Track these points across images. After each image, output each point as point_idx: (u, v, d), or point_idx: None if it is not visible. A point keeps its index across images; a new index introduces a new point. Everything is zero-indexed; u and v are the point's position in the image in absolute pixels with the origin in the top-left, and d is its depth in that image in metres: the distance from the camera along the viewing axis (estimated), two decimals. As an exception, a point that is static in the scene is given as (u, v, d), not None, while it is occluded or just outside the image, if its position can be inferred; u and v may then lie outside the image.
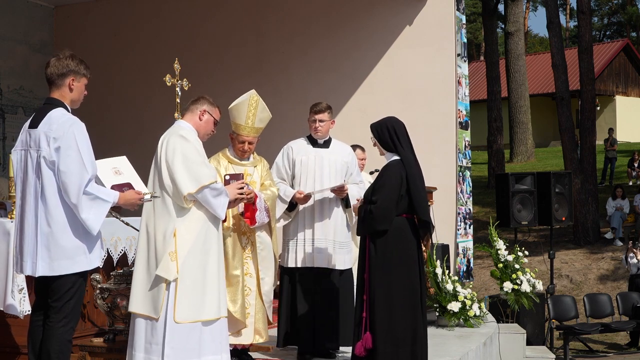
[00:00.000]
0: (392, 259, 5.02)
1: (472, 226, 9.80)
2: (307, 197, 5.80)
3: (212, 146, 5.18)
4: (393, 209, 5.03)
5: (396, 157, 5.16)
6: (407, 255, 5.07)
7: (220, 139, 5.43)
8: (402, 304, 5.01)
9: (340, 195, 5.86)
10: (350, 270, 5.97)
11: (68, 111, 4.27)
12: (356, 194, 5.89)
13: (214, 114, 4.79)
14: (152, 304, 4.48)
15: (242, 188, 4.89)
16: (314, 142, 5.99)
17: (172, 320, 4.44)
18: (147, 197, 4.44)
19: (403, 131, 5.24)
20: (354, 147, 7.80)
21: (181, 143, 4.56)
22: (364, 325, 5.05)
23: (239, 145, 5.47)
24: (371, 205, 5.04)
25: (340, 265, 5.87)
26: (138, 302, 4.53)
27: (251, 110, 5.41)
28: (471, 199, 9.77)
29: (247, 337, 5.41)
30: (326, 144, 6.02)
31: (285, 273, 5.92)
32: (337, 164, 5.98)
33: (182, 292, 4.47)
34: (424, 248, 7.90)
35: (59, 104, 4.26)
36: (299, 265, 5.84)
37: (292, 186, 5.92)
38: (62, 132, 4.12)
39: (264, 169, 5.63)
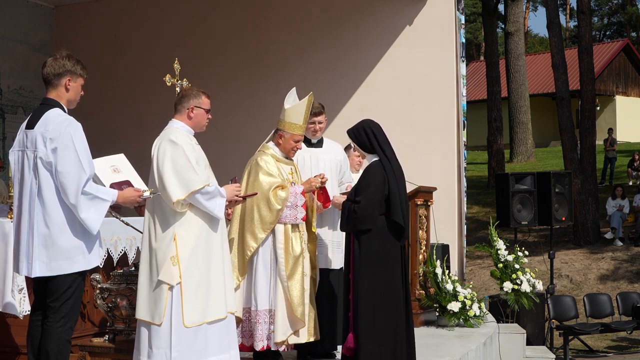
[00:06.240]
0: (375, 259, 5.08)
1: (465, 226, 9.79)
2: None
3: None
4: (376, 209, 5.09)
5: (376, 159, 5.20)
6: (389, 255, 5.12)
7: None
8: (383, 303, 5.06)
9: None
10: (341, 269, 6.01)
11: (64, 111, 4.27)
12: None
13: (202, 105, 4.71)
14: (154, 309, 4.47)
15: (239, 189, 4.87)
16: (307, 142, 5.97)
17: (178, 325, 4.43)
18: (147, 194, 4.43)
19: (381, 132, 5.28)
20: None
21: (171, 148, 4.51)
22: (349, 325, 5.09)
23: (294, 144, 5.54)
24: (355, 204, 5.09)
25: (336, 265, 5.90)
26: (142, 308, 4.53)
27: (308, 110, 5.54)
28: (465, 199, 9.77)
29: (303, 336, 5.44)
30: (319, 143, 6.03)
31: None
32: (332, 163, 5.99)
33: (189, 296, 4.46)
34: (424, 248, 7.92)
35: (55, 104, 4.26)
36: None
37: None
38: (58, 132, 4.12)
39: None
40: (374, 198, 5.07)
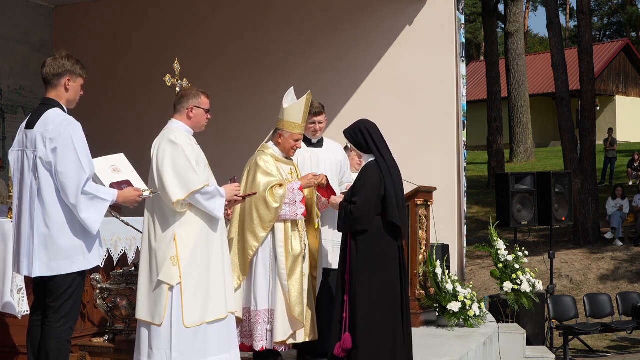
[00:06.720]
0: (372, 259, 5.07)
1: (466, 226, 9.79)
2: None
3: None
4: (372, 209, 5.08)
5: (372, 159, 5.20)
6: (386, 255, 5.11)
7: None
8: (380, 303, 5.06)
9: None
10: None
11: (64, 111, 4.27)
12: None
13: (202, 105, 4.72)
14: (154, 309, 4.48)
15: (238, 190, 4.88)
16: (307, 142, 5.97)
17: (178, 325, 4.44)
18: (146, 194, 4.43)
19: (377, 132, 5.27)
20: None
21: (171, 148, 4.52)
22: (344, 325, 5.09)
23: (294, 143, 5.55)
24: (351, 205, 5.09)
25: (336, 265, 5.87)
26: (142, 308, 4.54)
27: (306, 109, 5.55)
28: (465, 199, 9.77)
29: (299, 336, 5.45)
30: (320, 143, 6.03)
31: None
32: (332, 163, 6.00)
33: (189, 296, 4.46)
34: (424, 248, 7.92)
35: (55, 104, 4.26)
36: None
37: None
38: (58, 132, 4.12)
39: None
40: (369, 198, 5.06)
